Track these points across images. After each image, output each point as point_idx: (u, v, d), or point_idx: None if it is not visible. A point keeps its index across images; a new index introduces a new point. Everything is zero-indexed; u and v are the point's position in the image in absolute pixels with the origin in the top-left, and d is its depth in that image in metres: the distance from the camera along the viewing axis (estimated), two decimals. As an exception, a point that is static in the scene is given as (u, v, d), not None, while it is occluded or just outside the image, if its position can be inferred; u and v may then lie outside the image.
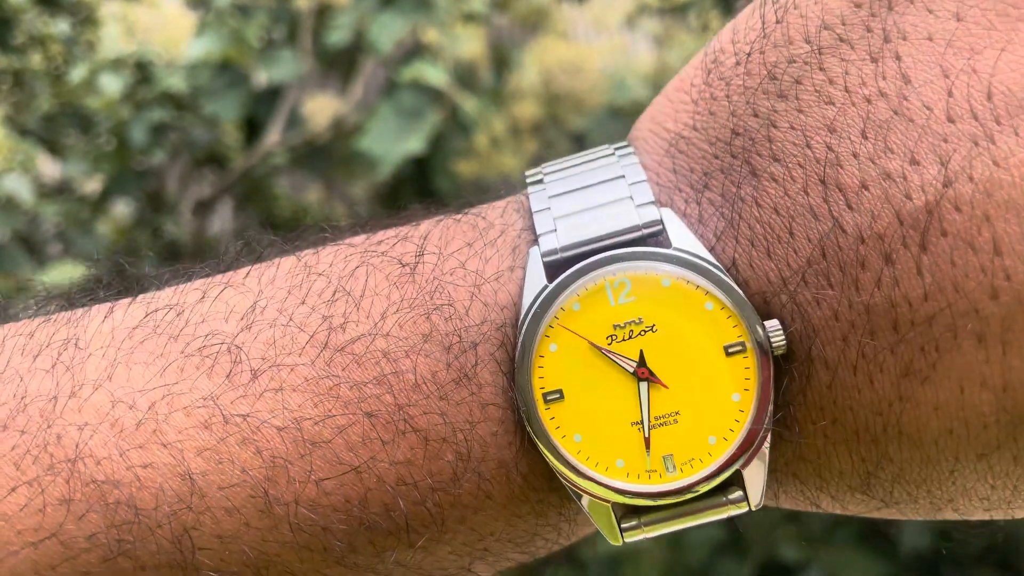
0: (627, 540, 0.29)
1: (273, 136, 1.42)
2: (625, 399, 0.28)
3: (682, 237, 0.28)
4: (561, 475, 0.28)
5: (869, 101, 0.26)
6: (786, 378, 0.27)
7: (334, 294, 0.29)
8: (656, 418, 0.28)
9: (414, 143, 1.20)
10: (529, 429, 0.28)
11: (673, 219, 0.28)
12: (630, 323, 0.28)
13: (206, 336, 0.29)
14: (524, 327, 0.28)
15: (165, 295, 0.31)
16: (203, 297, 0.30)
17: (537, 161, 0.29)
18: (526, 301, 0.28)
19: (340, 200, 1.58)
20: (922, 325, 0.25)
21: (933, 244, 0.24)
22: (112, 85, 1.49)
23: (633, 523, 0.29)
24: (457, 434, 0.28)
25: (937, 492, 0.27)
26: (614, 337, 0.28)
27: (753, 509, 0.29)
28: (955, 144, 0.24)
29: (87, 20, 1.67)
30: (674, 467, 0.28)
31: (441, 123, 1.23)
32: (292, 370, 0.28)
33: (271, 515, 0.27)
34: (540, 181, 0.31)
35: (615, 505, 0.29)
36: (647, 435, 0.28)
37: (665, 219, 0.28)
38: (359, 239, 0.32)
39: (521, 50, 1.31)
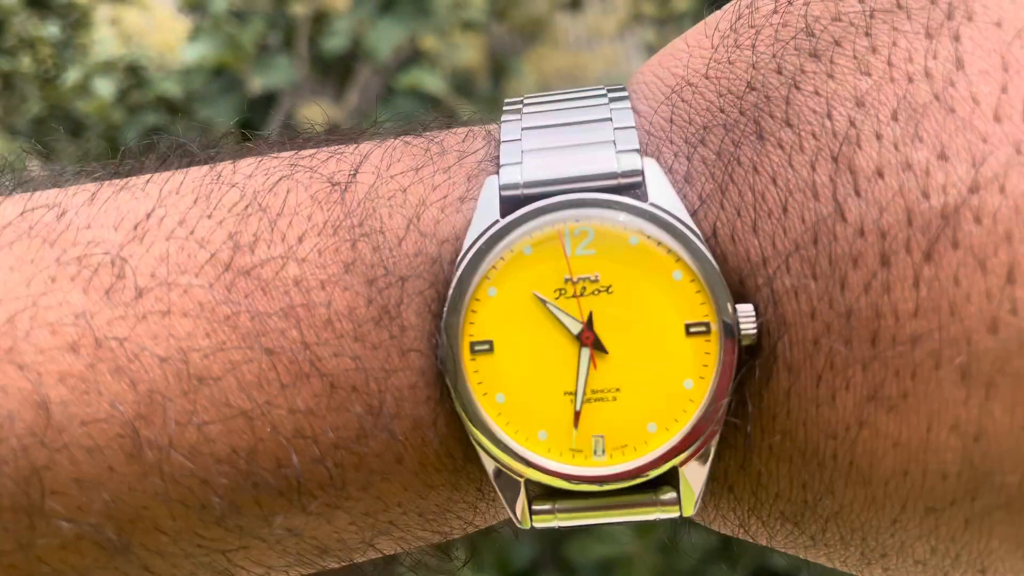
0: (536, 525, 0.25)
1: (267, 141, 1.42)
2: (561, 363, 0.24)
3: (662, 193, 0.24)
4: (474, 438, 0.24)
5: (911, 80, 0.23)
6: (744, 371, 0.24)
7: (247, 208, 0.25)
8: (593, 391, 0.24)
9: (411, 149, 1.21)
10: (447, 380, 0.24)
11: (656, 171, 0.25)
12: (584, 279, 0.24)
13: (88, 243, 0.24)
14: (464, 263, 0.24)
15: (49, 194, 0.26)
16: (92, 199, 0.26)
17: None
18: (471, 235, 0.24)
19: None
20: (904, 344, 0.22)
21: (939, 255, 0.21)
22: (104, 88, 1.49)
23: (546, 507, 0.25)
24: (370, 383, 0.24)
25: (872, 542, 0.24)
26: (563, 292, 0.24)
27: (685, 515, 0.25)
28: (994, 146, 0.21)
29: (79, 23, 1.66)
30: (603, 451, 0.24)
31: (439, 130, 1.24)
32: (185, 291, 0.24)
33: (141, 460, 0.23)
34: (518, 111, 0.27)
35: (528, 482, 0.25)
36: (578, 408, 0.24)
37: (647, 170, 0.25)
38: (287, 153, 0.27)
39: (519, 58, 1.33)
